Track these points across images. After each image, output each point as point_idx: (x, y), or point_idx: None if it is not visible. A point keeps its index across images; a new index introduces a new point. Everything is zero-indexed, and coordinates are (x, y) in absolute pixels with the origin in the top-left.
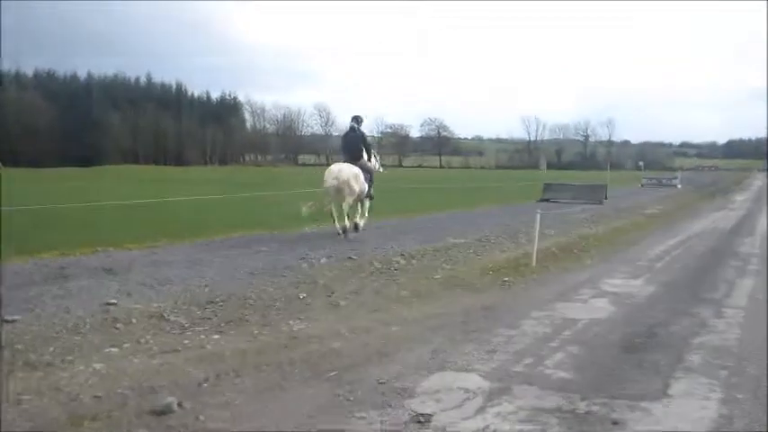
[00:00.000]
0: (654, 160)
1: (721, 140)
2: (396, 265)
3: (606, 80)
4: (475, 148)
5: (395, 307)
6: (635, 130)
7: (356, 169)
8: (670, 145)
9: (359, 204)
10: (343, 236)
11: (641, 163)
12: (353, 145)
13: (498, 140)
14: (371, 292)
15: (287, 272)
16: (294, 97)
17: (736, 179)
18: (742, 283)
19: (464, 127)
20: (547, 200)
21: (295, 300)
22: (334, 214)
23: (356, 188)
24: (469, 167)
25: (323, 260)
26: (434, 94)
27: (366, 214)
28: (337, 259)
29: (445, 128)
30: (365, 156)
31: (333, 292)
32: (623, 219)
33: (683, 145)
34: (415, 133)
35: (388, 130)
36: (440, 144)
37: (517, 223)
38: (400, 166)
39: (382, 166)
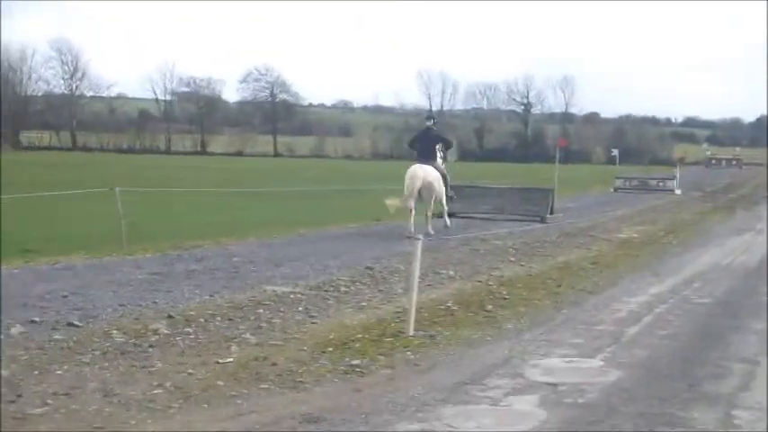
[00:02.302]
0: (639, 147)
1: (748, 117)
2: (153, 338)
3: (563, 19)
4: (338, 122)
5: (138, 420)
6: (609, 96)
7: (437, 172)
8: (668, 122)
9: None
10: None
11: (615, 152)
12: (429, 146)
13: (378, 110)
14: (97, 389)
15: None
16: (14, 29)
17: None
18: (765, 361)
19: (319, 87)
20: (451, 214)
21: None
22: (412, 214)
23: (437, 190)
24: (327, 156)
25: (16, 329)
26: (267, 34)
27: (447, 215)
28: (45, 327)
29: (285, 87)
30: (439, 157)
31: (20, 394)
32: (579, 248)
33: (689, 123)
34: (231, 95)
35: (184, 89)
36: (275, 114)
37: (392, 256)
38: (203, 151)
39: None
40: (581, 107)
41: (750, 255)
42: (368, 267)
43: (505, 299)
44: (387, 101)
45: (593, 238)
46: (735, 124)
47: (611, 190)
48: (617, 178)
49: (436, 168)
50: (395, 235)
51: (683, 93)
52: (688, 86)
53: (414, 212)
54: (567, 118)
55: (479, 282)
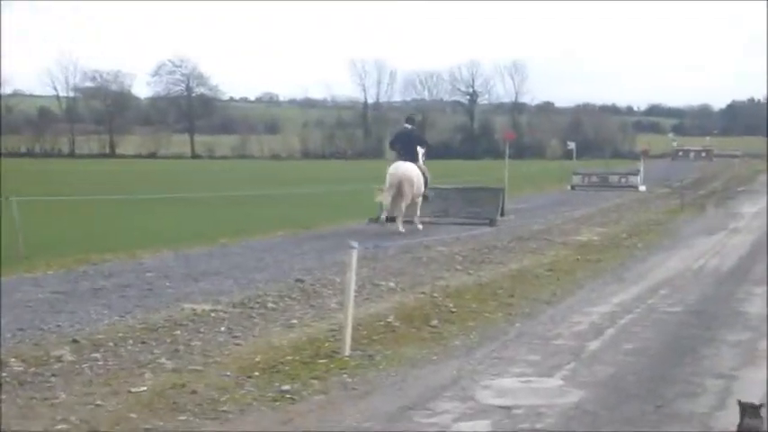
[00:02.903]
0: (599, 139)
1: (718, 104)
2: (56, 365)
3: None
4: (262, 117)
5: None
6: (564, 84)
7: (418, 170)
8: (630, 111)
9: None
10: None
11: (572, 145)
12: (411, 147)
13: (307, 103)
14: None
15: None
16: None
17: (745, 173)
18: (747, 377)
19: (241, 80)
20: (391, 219)
21: None
22: (395, 212)
23: (417, 188)
24: (251, 157)
25: None
26: (181, 22)
27: (418, 213)
28: None
29: (203, 80)
30: (420, 157)
31: None
32: (533, 254)
33: (653, 111)
34: (143, 90)
35: (89, 85)
36: (192, 111)
37: (325, 267)
38: (111, 153)
39: None
40: (533, 96)
41: (723, 257)
42: (298, 280)
43: (452, 312)
44: (317, 93)
45: (548, 241)
46: (703, 112)
47: (569, 188)
48: (574, 174)
49: (418, 168)
50: (328, 244)
51: (645, 78)
52: (651, 71)
53: (397, 210)
54: (517, 108)
55: (423, 293)
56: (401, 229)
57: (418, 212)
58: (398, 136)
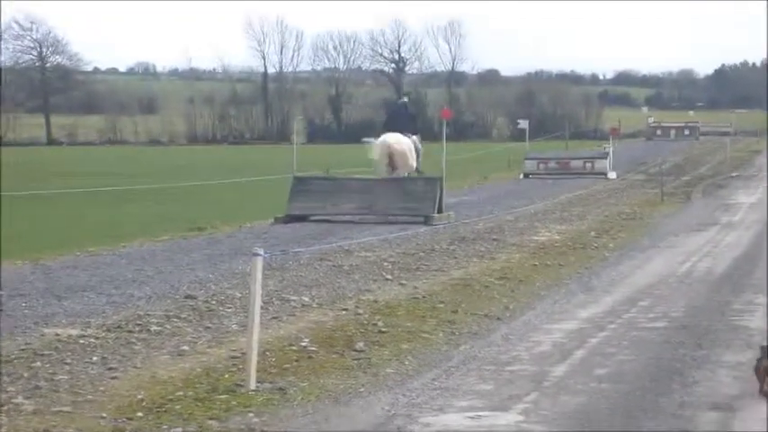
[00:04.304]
0: (556, 116)
1: (704, 69)
2: None
3: None
4: (136, 93)
5: None
6: (512, 47)
7: (410, 143)
8: (594, 80)
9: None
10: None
11: (524, 123)
12: (402, 121)
13: (194, 74)
14: None
15: None
16: None
17: (739, 155)
18: (750, 407)
19: (108, 46)
20: (302, 217)
21: None
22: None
23: (409, 161)
24: (124, 142)
25: None
26: None
27: None
28: None
29: (60, 46)
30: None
31: None
32: (481, 258)
33: (623, 79)
34: None
35: None
36: (47, 85)
37: (222, 279)
38: None
39: None
40: (474, 63)
41: (715, 259)
42: (189, 296)
43: (382, 333)
44: (203, 62)
45: (498, 243)
46: (685, 79)
47: (521, 176)
48: (527, 160)
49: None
50: (224, 249)
51: (613, 39)
52: (620, 29)
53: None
54: (455, 78)
55: (345, 310)
56: None
57: None
58: (393, 112)
